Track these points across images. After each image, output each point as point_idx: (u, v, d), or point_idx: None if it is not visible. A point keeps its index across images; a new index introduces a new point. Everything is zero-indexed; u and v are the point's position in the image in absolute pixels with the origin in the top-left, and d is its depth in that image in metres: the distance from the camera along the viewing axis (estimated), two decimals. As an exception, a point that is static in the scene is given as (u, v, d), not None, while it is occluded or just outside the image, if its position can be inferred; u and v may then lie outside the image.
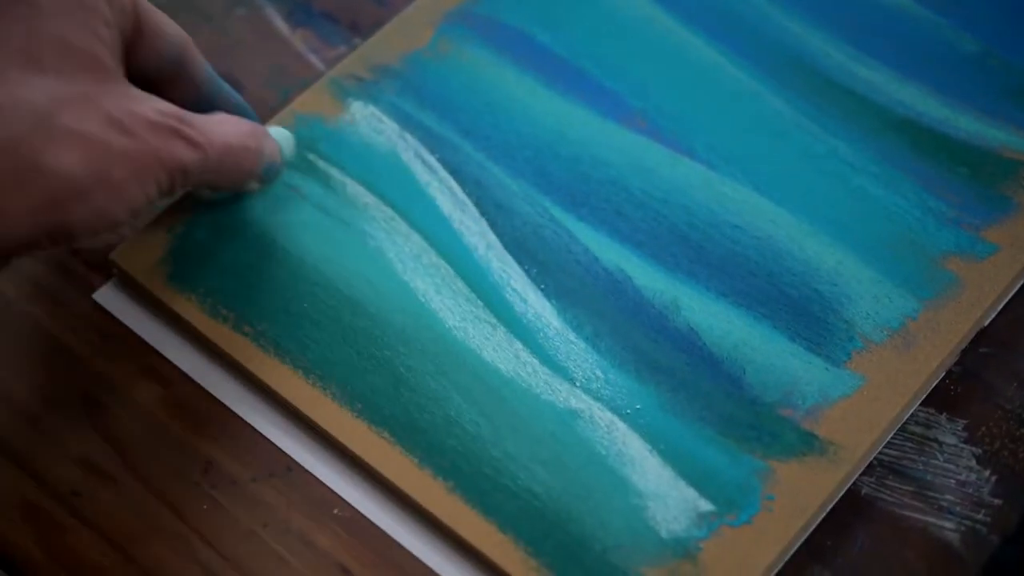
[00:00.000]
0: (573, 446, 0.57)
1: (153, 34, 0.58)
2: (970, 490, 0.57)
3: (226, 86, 0.63)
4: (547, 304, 0.61)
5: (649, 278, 0.62)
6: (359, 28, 0.73)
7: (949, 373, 0.60)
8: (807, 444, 0.57)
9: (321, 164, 0.66)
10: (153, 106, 0.55)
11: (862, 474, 0.57)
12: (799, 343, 0.60)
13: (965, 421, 0.59)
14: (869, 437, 0.57)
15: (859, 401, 0.58)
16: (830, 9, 0.71)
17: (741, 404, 0.58)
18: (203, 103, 0.61)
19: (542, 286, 0.62)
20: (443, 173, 0.66)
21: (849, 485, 0.57)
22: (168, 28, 0.59)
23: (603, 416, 0.58)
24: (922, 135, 0.66)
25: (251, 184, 0.62)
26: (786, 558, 0.55)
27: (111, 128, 0.53)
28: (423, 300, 0.61)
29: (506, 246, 0.63)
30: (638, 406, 0.58)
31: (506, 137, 0.67)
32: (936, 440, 0.58)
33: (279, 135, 0.63)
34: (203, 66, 0.61)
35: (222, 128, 0.58)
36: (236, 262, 0.63)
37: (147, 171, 0.54)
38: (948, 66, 0.69)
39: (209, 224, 0.64)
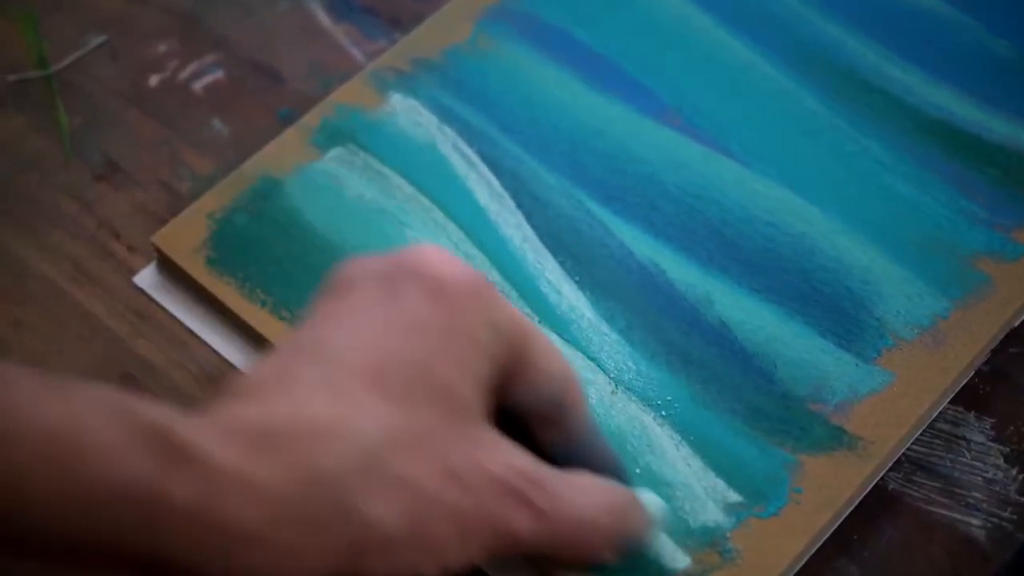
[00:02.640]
0: (605, 436, 0.58)
1: (535, 370, 0.50)
2: (997, 488, 0.57)
3: (604, 440, 0.54)
4: (581, 296, 0.62)
5: (682, 272, 0.63)
6: (400, 23, 0.74)
7: (978, 372, 0.60)
8: (836, 439, 0.57)
9: (361, 154, 0.67)
10: (502, 458, 0.47)
11: (890, 470, 0.58)
12: (830, 339, 0.60)
13: (993, 420, 0.59)
14: (897, 433, 0.57)
15: (888, 397, 0.58)
16: (865, 11, 0.71)
17: (771, 398, 0.59)
18: (574, 454, 0.52)
19: (576, 278, 0.63)
20: (481, 165, 0.67)
21: (877, 480, 0.58)
22: (554, 364, 0.51)
23: (635, 407, 0.59)
24: (955, 137, 0.66)
25: (604, 558, 0.52)
26: (813, 550, 0.56)
27: (447, 480, 0.46)
28: (459, 289, 0.62)
29: (541, 238, 0.64)
30: (669, 398, 0.59)
31: (543, 132, 0.68)
32: (964, 438, 0.59)
33: (651, 503, 0.54)
34: (584, 414, 0.53)
35: (579, 495, 0.49)
36: (275, 248, 0.64)
37: (474, 534, 0.47)
38: (982, 69, 0.69)
39: (249, 210, 0.65)
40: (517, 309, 0.50)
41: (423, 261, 0.49)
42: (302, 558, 0.44)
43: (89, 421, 0.42)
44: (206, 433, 0.43)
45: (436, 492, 0.46)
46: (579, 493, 0.50)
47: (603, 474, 0.52)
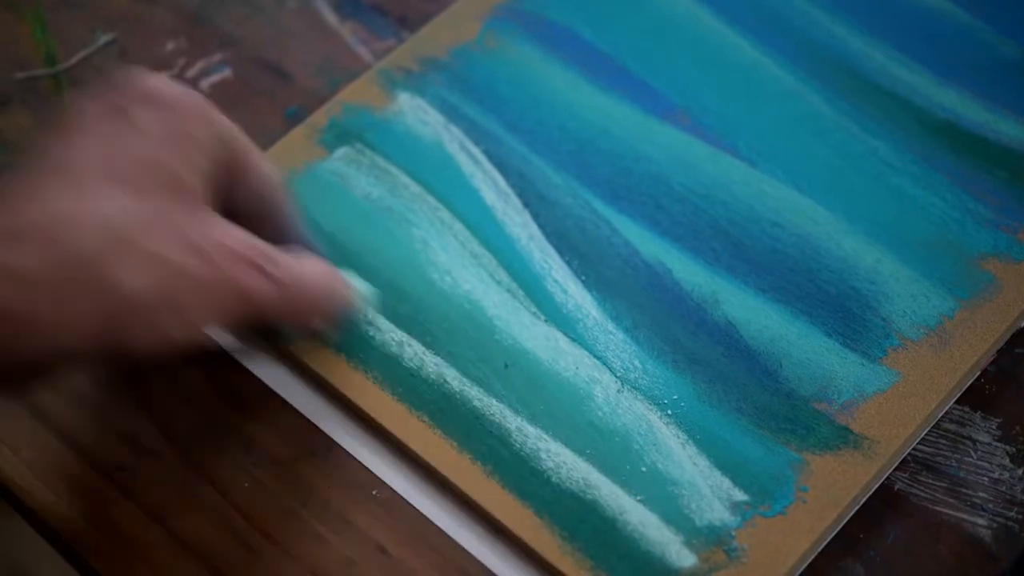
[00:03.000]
0: (610, 434, 0.58)
1: (247, 169, 0.57)
2: (1003, 488, 0.57)
3: (311, 235, 0.61)
4: (587, 295, 0.62)
5: (688, 272, 0.63)
6: (407, 21, 0.75)
7: (984, 372, 0.60)
8: (841, 438, 0.57)
9: (368, 153, 0.67)
10: (235, 235, 0.54)
11: (896, 469, 0.58)
12: (836, 339, 0.60)
13: (999, 420, 0.59)
14: (903, 433, 0.58)
15: (894, 397, 0.58)
16: (873, 12, 0.71)
17: (777, 397, 0.59)
18: (285, 243, 0.58)
19: (583, 277, 0.63)
20: (487, 164, 0.67)
21: (883, 480, 0.58)
22: (262, 166, 0.58)
23: (641, 405, 0.59)
24: (962, 138, 0.67)
25: (324, 328, 0.60)
26: (818, 549, 0.56)
27: (189, 253, 0.52)
28: (465, 288, 0.62)
29: (548, 237, 0.64)
30: (675, 396, 0.59)
31: (550, 131, 0.68)
32: (970, 438, 0.59)
33: (359, 285, 0.61)
34: (292, 208, 0.60)
35: (302, 267, 0.57)
36: (282, 246, 0.64)
37: (219, 300, 0.53)
38: (989, 70, 0.69)
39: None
40: (228, 120, 0.56)
41: (148, 86, 0.55)
42: (65, 330, 0.50)
43: None
44: None
45: (181, 262, 0.51)
46: (304, 266, 0.57)
47: None
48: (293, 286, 0.55)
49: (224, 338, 0.62)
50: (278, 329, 0.60)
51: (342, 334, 0.61)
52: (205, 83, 0.72)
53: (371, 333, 0.61)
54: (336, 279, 0.59)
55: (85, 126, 0.54)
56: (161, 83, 0.55)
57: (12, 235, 0.50)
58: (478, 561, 0.57)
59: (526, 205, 0.65)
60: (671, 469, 0.57)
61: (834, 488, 0.56)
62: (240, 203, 0.57)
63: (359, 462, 0.59)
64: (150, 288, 0.51)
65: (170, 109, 0.54)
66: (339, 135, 0.68)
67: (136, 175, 0.52)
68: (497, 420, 0.59)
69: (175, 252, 0.51)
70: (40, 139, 0.55)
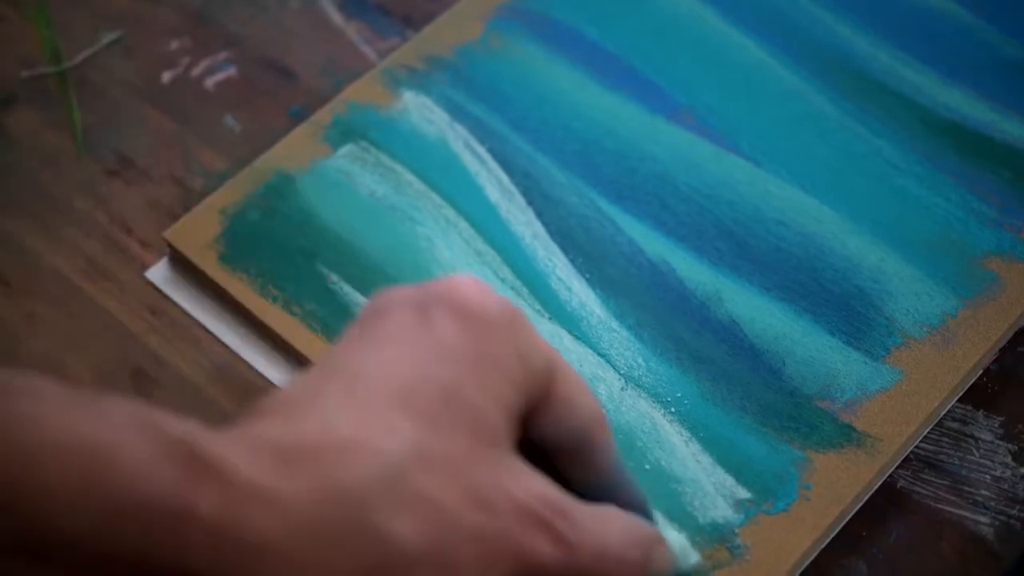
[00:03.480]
0: (614, 431, 0.58)
1: (563, 402, 0.49)
2: (1005, 486, 0.58)
3: (631, 478, 0.53)
4: (591, 293, 0.62)
5: (692, 270, 0.63)
6: (412, 21, 0.75)
7: (987, 371, 0.60)
8: (845, 436, 0.58)
9: (372, 151, 0.67)
10: (528, 485, 0.46)
11: (898, 467, 0.58)
12: (839, 337, 0.60)
13: (1002, 418, 0.59)
14: (906, 431, 0.58)
15: (897, 395, 0.59)
16: (877, 12, 0.72)
17: (780, 395, 0.59)
18: (600, 491, 0.51)
19: (587, 275, 0.63)
20: (491, 163, 0.67)
21: (885, 478, 0.58)
22: (581, 399, 0.50)
23: (644, 403, 0.59)
24: (966, 138, 0.67)
25: None
26: (821, 547, 0.56)
27: (470, 502, 0.45)
28: (470, 286, 0.62)
29: (552, 235, 0.64)
30: (679, 394, 0.59)
31: (555, 130, 0.68)
32: (972, 436, 0.59)
33: (676, 542, 0.54)
34: (611, 451, 0.51)
35: (604, 528, 0.48)
36: (287, 244, 0.64)
37: (495, 559, 0.45)
38: (993, 71, 0.69)
39: (261, 206, 0.65)
40: (547, 342, 0.50)
41: (456, 289, 0.48)
42: (322, 574, 0.43)
43: (116, 435, 0.41)
44: (231, 448, 0.43)
45: (458, 513, 0.45)
46: (605, 526, 0.49)
47: (629, 512, 0.51)
48: (585, 551, 0.47)
49: (231, 337, 0.62)
50: None
51: None
52: (210, 82, 0.73)
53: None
54: (644, 545, 0.50)
55: (385, 328, 0.48)
56: (472, 289, 0.48)
57: (283, 455, 0.43)
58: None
59: (530, 203, 0.65)
60: (674, 467, 0.57)
61: (837, 486, 0.56)
62: (549, 437, 0.50)
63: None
64: (420, 540, 0.44)
65: (477, 322, 0.48)
66: (343, 133, 0.68)
67: (433, 405, 0.46)
68: (501, 417, 0.59)
69: (456, 501, 0.45)
70: (337, 339, 0.49)
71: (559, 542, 0.46)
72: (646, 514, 0.53)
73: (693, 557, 0.55)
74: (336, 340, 0.49)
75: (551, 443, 0.50)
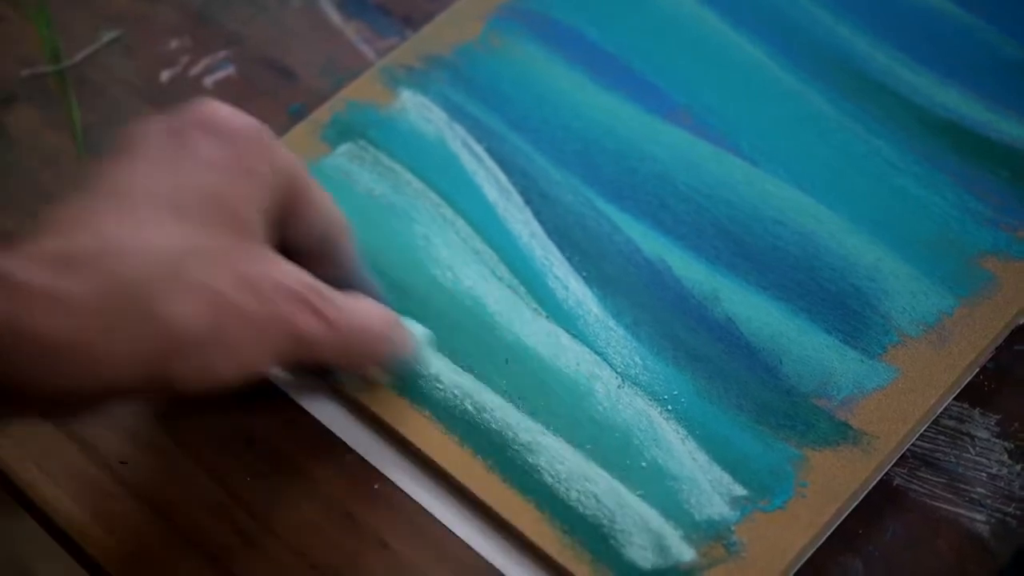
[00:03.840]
0: (610, 429, 0.58)
1: (308, 206, 0.56)
2: (1001, 484, 0.58)
3: (373, 280, 0.60)
4: (588, 292, 0.62)
5: (690, 269, 0.63)
6: (411, 20, 0.75)
7: (983, 369, 0.60)
8: (841, 434, 0.58)
9: (371, 150, 0.67)
10: (291, 273, 0.53)
11: (895, 465, 0.58)
12: (835, 335, 0.60)
13: (998, 416, 0.59)
14: (902, 429, 0.58)
15: (893, 393, 0.59)
16: (875, 13, 0.72)
17: (777, 393, 0.59)
18: (343, 286, 0.57)
19: (584, 274, 0.63)
20: (489, 162, 0.67)
21: (882, 475, 0.58)
22: (326, 206, 0.57)
23: (641, 401, 0.59)
24: (964, 137, 0.67)
25: (377, 373, 0.59)
26: (817, 544, 0.56)
27: (241, 288, 0.51)
28: (467, 284, 0.63)
29: (549, 234, 0.64)
30: (675, 392, 0.59)
31: (554, 130, 0.68)
32: (969, 434, 0.59)
33: (417, 330, 0.60)
34: (350, 249, 0.59)
35: (357, 308, 0.55)
36: (285, 242, 0.64)
37: (269, 338, 0.52)
38: (991, 71, 0.69)
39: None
40: (290, 153, 0.56)
41: (206, 110, 0.54)
42: (112, 363, 0.48)
43: None
44: (11, 260, 0.48)
45: (232, 297, 0.50)
46: (356, 305, 0.56)
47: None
48: (347, 328, 0.54)
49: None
50: (331, 371, 0.60)
51: (397, 379, 0.60)
52: (209, 81, 0.73)
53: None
54: (393, 324, 0.58)
55: (145, 150, 0.53)
56: (223, 111, 0.54)
57: (63, 261, 0.48)
58: (478, 555, 0.57)
59: (528, 202, 0.65)
60: (671, 464, 0.57)
61: (833, 484, 0.56)
62: (299, 241, 0.56)
63: (360, 456, 0.60)
64: (200, 322, 0.49)
65: (231, 139, 0.53)
66: (342, 131, 0.68)
67: (195, 207, 0.51)
68: (498, 415, 0.59)
69: (228, 287, 0.50)
70: (97, 162, 0.54)
71: (321, 318, 0.53)
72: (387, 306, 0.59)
73: (430, 338, 0.60)
74: (97, 164, 0.53)
75: (302, 247, 0.56)
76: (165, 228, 0.50)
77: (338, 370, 0.59)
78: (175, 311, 0.49)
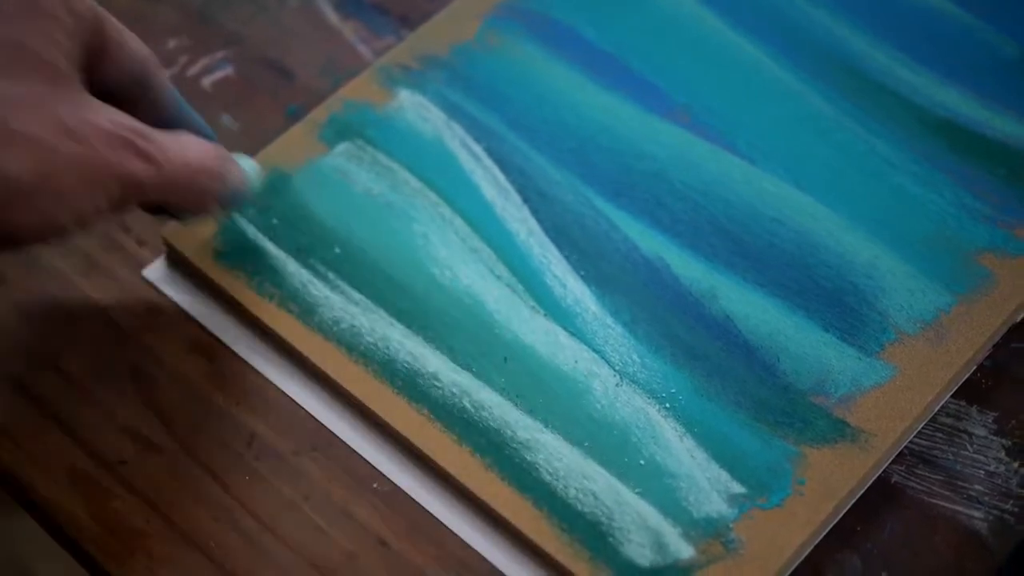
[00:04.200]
0: (608, 427, 0.58)
1: (116, 48, 0.56)
2: (999, 481, 0.58)
3: (193, 112, 0.61)
4: (586, 290, 0.63)
5: (687, 267, 0.63)
6: (408, 20, 0.75)
7: (981, 367, 0.61)
8: (839, 431, 0.58)
9: (369, 149, 0.67)
10: (109, 116, 0.53)
11: (892, 462, 0.58)
12: (833, 333, 0.61)
13: (995, 414, 0.59)
14: (900, 426, 0.58)
15: (891, 391, 0.59)
16: (874, 12, 0.72)
17: (774, 391, 0.59)
18: (166, 123, 0.58)
19: (582, 272, 0.63)
20: (487, 161, 0.67)
21: (879, 473, 0.58)
22: (132, 44, 0.57)
23: (639, 399, 0.59)
24: (961, 136, 0.67)
25: (212, 209, 0.60)
26: (815, 541, 0.56)
27: (62, 134, 0.51)
28: (465, 283, 0.63)
29: (547, 232, 0.64)
30: (673, 390, 0.59)
31: (551, 128, 0.68)
32: (966, 431, 0.59)
33: (246, 164, 0.61)
34: (168, 87, 0.60)
35: (182, 146, 0.56)
36: (284, 242, 0.64)
37: (96, 180, 0.52)
38: (989, 70, 0.69)
39: (258, 205, 0.65)
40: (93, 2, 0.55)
41: None
42: None
43: None
44: None
45: (56, 144, 0.51)
46: (183, 143, 0.56)
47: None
48: (173, 165, 0.55)
49: (227, 334, 0.62)
50: (168, 211, 0.60)
51: (229, 214, 0.62)
52: (207, 81, 0.73)
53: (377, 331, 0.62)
54: (218, 158, 0.58)
55: None
56: None
57: None
58: (478, 554, 0.57)
59: (526, 201, 0.66)
60: (669, 462, 0.58)
61: (831, 481, 0.57)
62: (112, 84, 0.57)
63: (359, 455, 0.60)
64: (25, 171, 0.50)
65: None
66: (339, 131, 0.68)
67: (5, 61, 0.51)
68: (496, 413, 0.59)
69: (48, 133, 0.51)
70: None
71: (148, 159, 0.54)
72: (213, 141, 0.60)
73: (259, 172, 0.62)
74: None
75: (114, 87, 0.57)
76: None
77: (176, 209, 0.60)
78: (1, 163, 0.50)
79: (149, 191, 0.54)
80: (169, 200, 0.57)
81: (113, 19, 0.57)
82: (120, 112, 0.54)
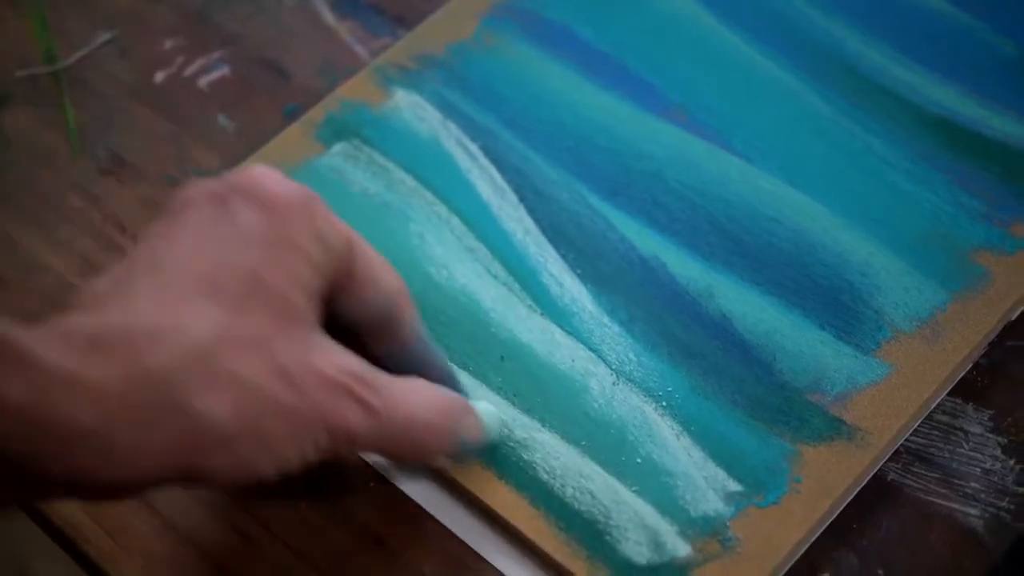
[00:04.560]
0: (605, 426, 0.58)
1: (365, 282, 0.53)
2: (995, 478, 0.58)
3: (437, 350, 0.57)
4: (583, 288, 0.63)
5: (684, 266, 0.63)
6: (404, 20, 0.75)
7: (976, 365, 0.61)
8: (835, 429, 0.58)
9: (365, 149, 0.68)
10: (334, 359, 0.50)
11: (889, 460, 0.58)
12: (829, 331, 0.61)
13: (991, 411, 0.60)
14: (896, 424, 0.58)
15: (887, 389, 0.59)
16: (870, 11, 0.72)
17: (771, 389, 0.59)
18: (407, 364, 0.55)
19: (578, 271, 0.63)
20: (483, 160, 0.67)
21: (876, 470, 0.58)
22: (383, 278, 0.53)
23: (636, 398, 0.59)
24: (957, 134, 0.67)
25: (438, 460, 0.55)
26: (812, 539, 0.56)
27: (277, 378, 0.48)
28: (462, 282, 0.63)
29: (544, 231, 0.65)
30: (670, 389, 0.59)
31: (548, 128, 0.68)
32: (962, 429, 0.59)
33: (486, 412, 0.57)
34: (414, 325, 0.55)
35: (411, 397, 0.52)
36: (280, 241, 0.64)
37: (306, 430, 0.49)
38: (985, 68, 0.69)
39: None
40: (345, 224, 0.52)
41: (253, 178, 0.51)
42: (137, 454, 0.46)
43: None
44: (38, 339, 0.45)
45: (267, 389, 0.47)
46: (411, 395, 0.52)
47: (438, 384, 0.55)
48: (394, 418, 0.51)
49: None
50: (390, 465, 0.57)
51: (460, 465, 0.57)
52: (203, 81, 0.73)
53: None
54: (449, 412, 0.54)
55: (187, 219, 0.50)
56: (270, 178, 0.51)
57: (92, 342, 0.45)
58: (475, 552, 0.57)
59: (522, 200, 0.66)
60: (666, 460, 0.58)
61: (827, 479, 0.57)
62: (353, 318, 0.53)
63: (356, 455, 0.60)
64: (230, 416, 0.47)
65: (274, 209, 0.50)
66: (336, 131, 0.68)
67: (233, 287, 0.48)
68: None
69: (261, 377, 0.47)
70: (145, 227, 0.51)
71: (367, 409, 0.50)
72: (454, 387, 0.56)
73: (496, 425, 0.57)
74: (140, 236, 0.50)
75: (358, 322, 0.53)
76: (200, 309, 0.47)
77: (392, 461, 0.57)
78: (204, 405, 0.46)
79: (362, 444, 0.51)
80: (384, 455, 0.55)
81: (369, 249, 0.53)
82: (348, 354, 0.51)
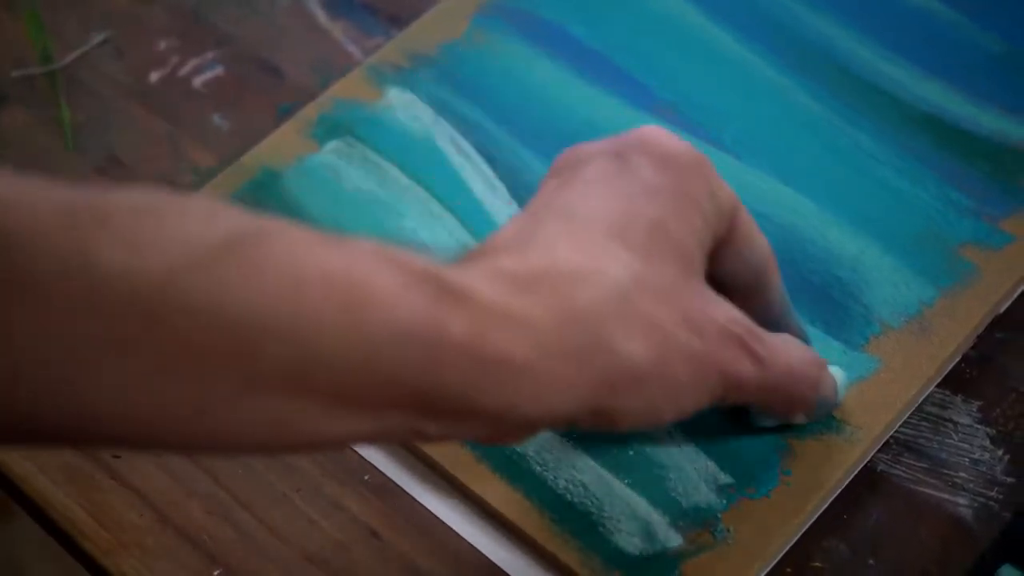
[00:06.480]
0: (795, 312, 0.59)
1: (743, 241, 0.54)
2: (983, 468, 0.58)
3: (796, 314, 0.59)
4: (575, 284, 0.63)
5: (675, 261, 0.63)
6: (397, 19, 0.75)
7: (965, 357, 0.61)
8: (824, 423, 0.58)
9: (359, 147, 0.68)
10: (725, 311, 0.51)
11: (878, 451, 0.59)
12: (818, 327, 0.61)
13: (980, 402, 0.60)
14: (884, 418, 0.58)
15: (876, 383, 0.59)
16: (859, 9, 0.72)
17: (762, 382, 0.60)
18: (771, 323, 0.56)
19: (570, 267, 0.64)
20: (476, 158, 0.68)
21: (865, 462, 0.58)
22: (758, 239, 0.55)
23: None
24: (945, 131, 0.67)
25: (799, 416, 0.58)
26: (802, 531, 0.57)
27: (684, 325, 0.49)
28: (455, 278, 0.63)
29: (536, 228, 0.65)
30: (661, 382, 0.60)
31: (539, 125, 0.69)
32: (951, 420, 0.60)
33: (838, 375, 0.58)
34: (780, 286, 0.57)
35: (787, 349, 0.54)
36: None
37: (706, 377, 0.50)
38: (973, 65, 0.70)
39: (249, 202, 0.66)
40: (728, 184, 0.53)
41: (649, 136, 0.52)
42: (564, 388, 0.47)
43: (367, 268, 0.44)
44: (474, 276, 0.46)
45: (676, 334, 0.49)
46: (787, 347, 0.54)
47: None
48: (776, 368, 0.53)
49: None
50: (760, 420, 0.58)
51: (811, 423, 0.58)
52: (197, 80, 0.73)
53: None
54: (821, 367, 0.57)
55: (589, 174, 0.52)
56: (663, 135, 0.52)
57: (520, 282, 0.46)
58: (469, 544, 0.58)
59: (515, 197, 0.66)
60: (658, 452, 0.58)
61: (817, 472, 0.57)
62: (728, 276, 0.54)
63: (351, 448, 0.60)
64: (646, 357, 0.48)
65: (674, 165, 0.52)
66: (330, 129, 0.69)
67: (642, 236, 0.50)
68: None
69: (671, 323, 0.49)
70: (543, 184, 0.53)
71: (755, 358, 0.52)
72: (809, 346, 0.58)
73: (846, 381, 0.58)
74: (537, 192, 0.52)
75: (731, 279, 0.54)
76: (615, 255, 0.49)
77: (753, 413, 0.58)
78: (625, 345, 0.47)
79: (748, 392, 0.53)
80: (761, 403, 0.56)
81: (746, 212, 0.54)
82: (734, 307, 0.52)
